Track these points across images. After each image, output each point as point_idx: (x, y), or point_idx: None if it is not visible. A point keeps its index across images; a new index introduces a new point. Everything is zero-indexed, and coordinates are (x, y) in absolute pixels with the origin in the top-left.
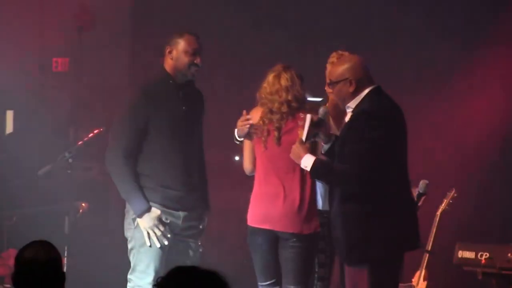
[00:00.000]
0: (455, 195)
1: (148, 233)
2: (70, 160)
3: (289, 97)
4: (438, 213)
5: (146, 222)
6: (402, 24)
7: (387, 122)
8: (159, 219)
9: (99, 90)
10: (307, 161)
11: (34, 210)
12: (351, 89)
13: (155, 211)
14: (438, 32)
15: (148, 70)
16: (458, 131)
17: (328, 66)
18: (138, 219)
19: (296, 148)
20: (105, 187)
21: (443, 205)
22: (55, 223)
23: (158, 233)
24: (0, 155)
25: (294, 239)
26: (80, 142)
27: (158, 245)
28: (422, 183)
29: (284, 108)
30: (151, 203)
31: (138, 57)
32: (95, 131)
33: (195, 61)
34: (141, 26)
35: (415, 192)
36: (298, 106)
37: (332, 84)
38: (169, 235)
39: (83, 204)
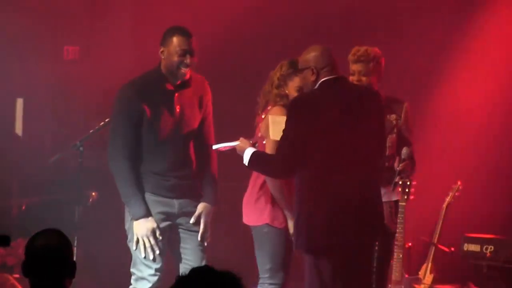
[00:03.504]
0: (461, 187)
1: (138, 240)
2: (81, 149)
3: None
4: (444, 206)
5: (140, 229)
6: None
7: (307, 111)
8: (153, 231)
9: (110, 79)
10: (247, 154)
11: (44, 199)
12: (313, 78)
13: (152, 222)
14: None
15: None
16: (464, 123)
17: (353, 64)
18: (134, 223)
19: (241, 143)
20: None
21: (448, 198)
22: (65, 212)
23: (147, 244)
24: (11, 143)
25: (252, 231)
26: (91, 131)
27: (143, 255)
28: (405, 149)
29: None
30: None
31: (148, 46)
32: (106, 120)
33: (184, 61)
34: (150, 14)
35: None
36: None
37: (299, 71)
38: (157, 252)
39: (93, 193)
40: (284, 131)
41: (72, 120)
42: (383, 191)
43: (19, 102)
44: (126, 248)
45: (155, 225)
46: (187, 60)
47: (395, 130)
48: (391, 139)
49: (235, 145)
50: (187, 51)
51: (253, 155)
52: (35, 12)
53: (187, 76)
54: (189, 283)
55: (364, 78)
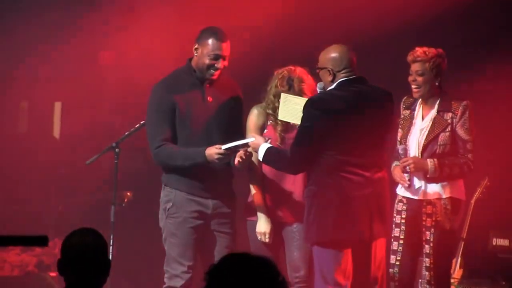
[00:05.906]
0: (488, 183)
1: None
2: (117, 150)
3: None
4: (472, 201)
5: (211, 156)
6: None
7: (324, 112)
8: (216, 150)
9: (145, 83)
10: (262, 149)
11: (80, 199)
12: (329, 78)
13: (209, 149)
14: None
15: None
16: (490, 119)
17: (411, 64)
18: (208, 160)
19: (256, 139)
20: (149, 176)
21: (476, 193)
22: (101, 212)
23: (222, 152)
24: (49, 146)
25: None
26: (126, 133)
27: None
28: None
29: None
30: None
31: (185, 49)
32: (141, 122)
33: (215, 65)
34: (188, 18)
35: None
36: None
37: (318, 69)
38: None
39: (129, 193)
40: (299, 128)
41: (108, 122)
42: (436, 186)
43: (57, 106)
44: (161, 247)
45: (212, 148)
46: (219, 64)
47: (448, 128)
48: (443, 137)
49: (249, 142)
50: (220, 56)
51: (268, 150)
52: (72, 17)
53: (215, 78)
54: (228, 267)
55: (419, 78)
